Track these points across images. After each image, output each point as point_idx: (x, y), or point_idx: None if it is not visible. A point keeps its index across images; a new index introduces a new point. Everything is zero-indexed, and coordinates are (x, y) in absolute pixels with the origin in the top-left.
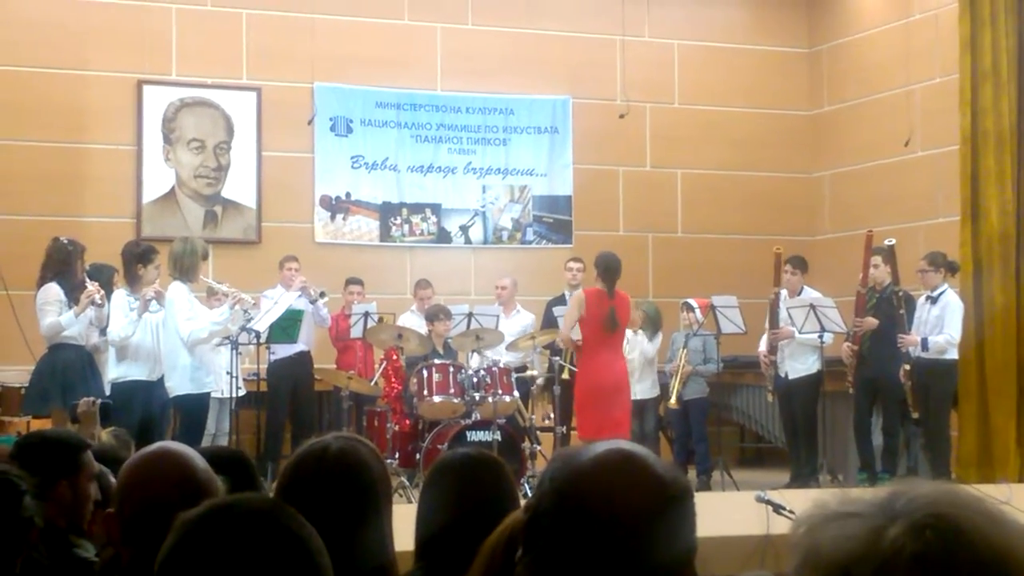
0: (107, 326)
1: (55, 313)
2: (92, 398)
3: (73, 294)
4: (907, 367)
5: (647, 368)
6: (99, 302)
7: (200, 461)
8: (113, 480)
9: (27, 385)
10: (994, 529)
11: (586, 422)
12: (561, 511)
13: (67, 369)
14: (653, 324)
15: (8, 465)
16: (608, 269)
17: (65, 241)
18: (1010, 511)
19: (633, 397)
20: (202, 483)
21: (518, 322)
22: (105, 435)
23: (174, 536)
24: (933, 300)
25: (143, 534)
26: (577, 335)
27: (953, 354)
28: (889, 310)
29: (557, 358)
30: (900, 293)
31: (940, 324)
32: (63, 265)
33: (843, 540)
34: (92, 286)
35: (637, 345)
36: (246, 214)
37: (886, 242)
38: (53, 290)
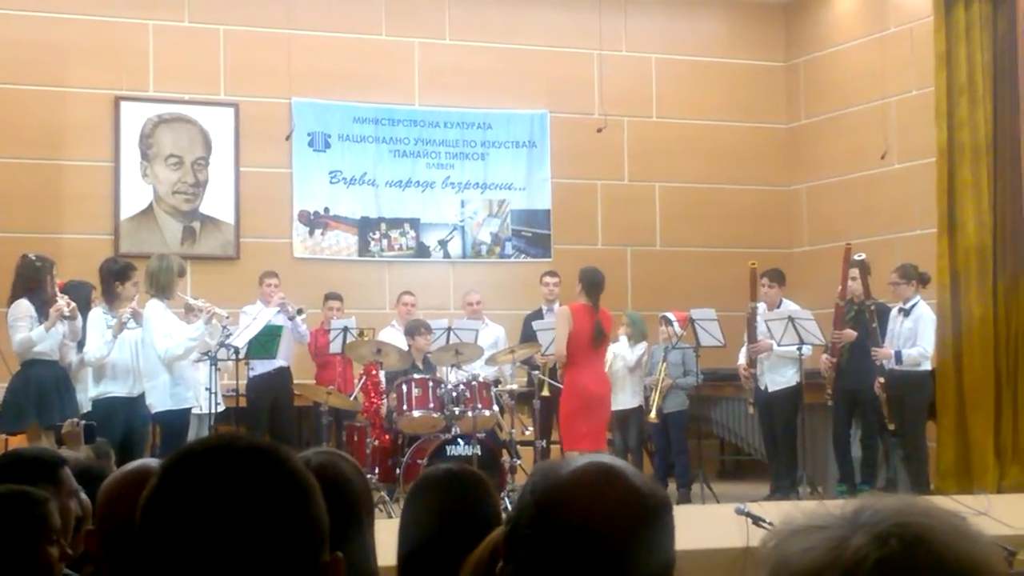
0: (82, 341)
1: (26, 329)
2: (76, 419)
3: (44, 309)
4: (882, 380)
5: (629, 377)
6: (68, 314)
7: None
8: (85, 498)
9: (0, 403)
10: (957, 538)
11: (573, 433)
12: (541, 523)
13: (41, 386)
14: (638, 332)
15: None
16: (593, 284)
17: (33, 257)
18: (987, 522)
19: (615, 407)
20: None
21: (489, 335)
22: (85, 450)
23: (157, 478)
24: (906, 312)
25: (124, 552)
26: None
27: (927, 366)
28: (864, 322)
29: (536, 372)
30: (872, 306)
31: (913, 336)
32: (32, 281)
33: (808, 551)
34: (61, 300)
35: (620, 355)
36: (224, 230)
37: (856, 256)
38: (23, 306)
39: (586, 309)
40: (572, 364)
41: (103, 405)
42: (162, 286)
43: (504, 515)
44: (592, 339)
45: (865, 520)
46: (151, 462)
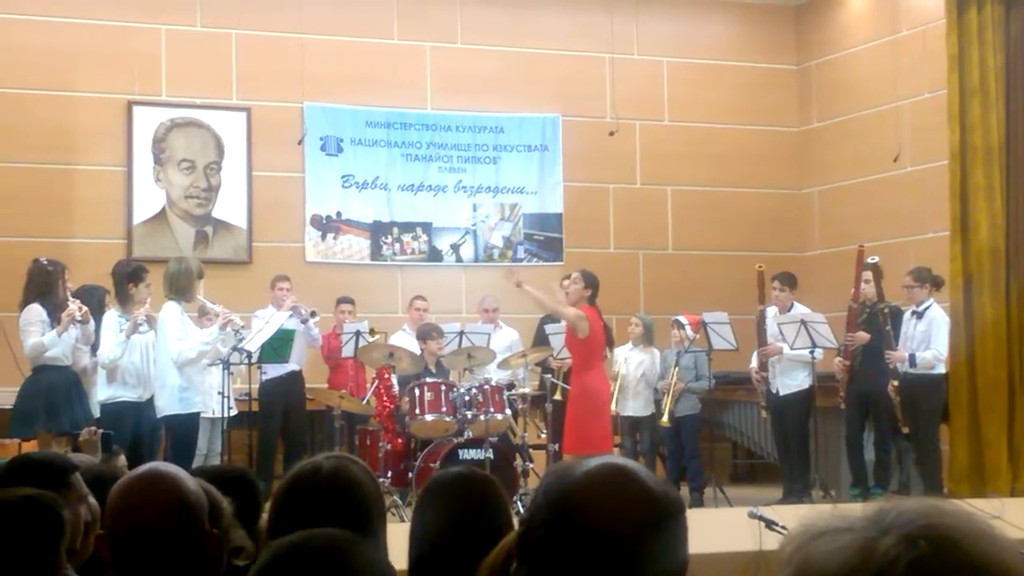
0: (96, 343)
1: (38, 333)
2: (94, 427)
3: (56, 314)
4: (895, 383)
5: (641, 384)
6: (80, 319)
7: (191, 483)
8: (94, 502)
9: (12, 408)
10: (986, 540)
11: (584, 436)
12: (554, 525)
13: (52, 391)
14: (649, 336)
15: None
16: (597, 285)
17: (45, 261)
18: (1001, 525)
19: (624, 413)
20: (191, 506)
21: (504, 338)
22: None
23: (264, 559)
24: (919, 315)
25: (132, 556)
26: (567, 355)
27: (941, 369)
28: (878, 325)
29: (550, 376)
30: (885, 309)
31: (927, 339)
32: (44, 286)
33: (836, 552)
34: (73, 304)
35: (633, 360)
36: (237, 234)
37: (869, 259)
38: (35, 310)
39: (596, 312)
40: (586, 368)
41: (112, 409)
42: (181, 288)
43: (515, 519)
44: (605, 342)
45: (891, 522)
46: (160, 466)
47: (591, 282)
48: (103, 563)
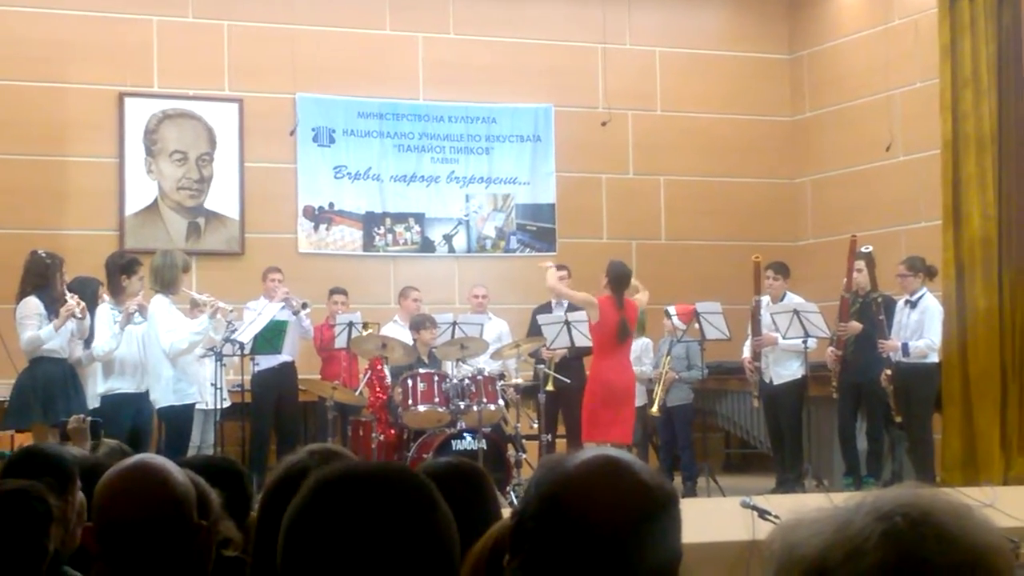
0: (90, 338)
1: (34, 327)
2: (82, 415)
3: (53, 307)
4: (888, 372)
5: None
6: (79, 315)
7: (179, 475)
8: (80, 495)
9: (7, 400)
10: (962, 518)
11: (595, 424)
12: (546, 517)
13: (48, 383)
14: (640, 325)
15: (37, 485)
16: (620, 278)
17: (43, 254)
18: (992, 513)
19: None
20: (179, 497)
21: (492, 329)
22: (105, 446)
23: (306, 492)
24: (913, 304)
25: (120, 548)
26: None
27: (934, 358)
28: (870, 315)
29: (542, 366)
30: (879, 299)
31: (920, 328)
32: (41, 278)
33: (814, 537)
34: (72, 299)
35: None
36: (229, 225)
37: (862, 248)
38: (32, 303)
39: (611, 302)
40: (597, 356)
41: (111, 401)
42: (166, 282)
43: (505, 509)
44: (616, 334)
45: (868, 505)
46: (147, 458)
47: (608, 272)
48: (91, 555)
